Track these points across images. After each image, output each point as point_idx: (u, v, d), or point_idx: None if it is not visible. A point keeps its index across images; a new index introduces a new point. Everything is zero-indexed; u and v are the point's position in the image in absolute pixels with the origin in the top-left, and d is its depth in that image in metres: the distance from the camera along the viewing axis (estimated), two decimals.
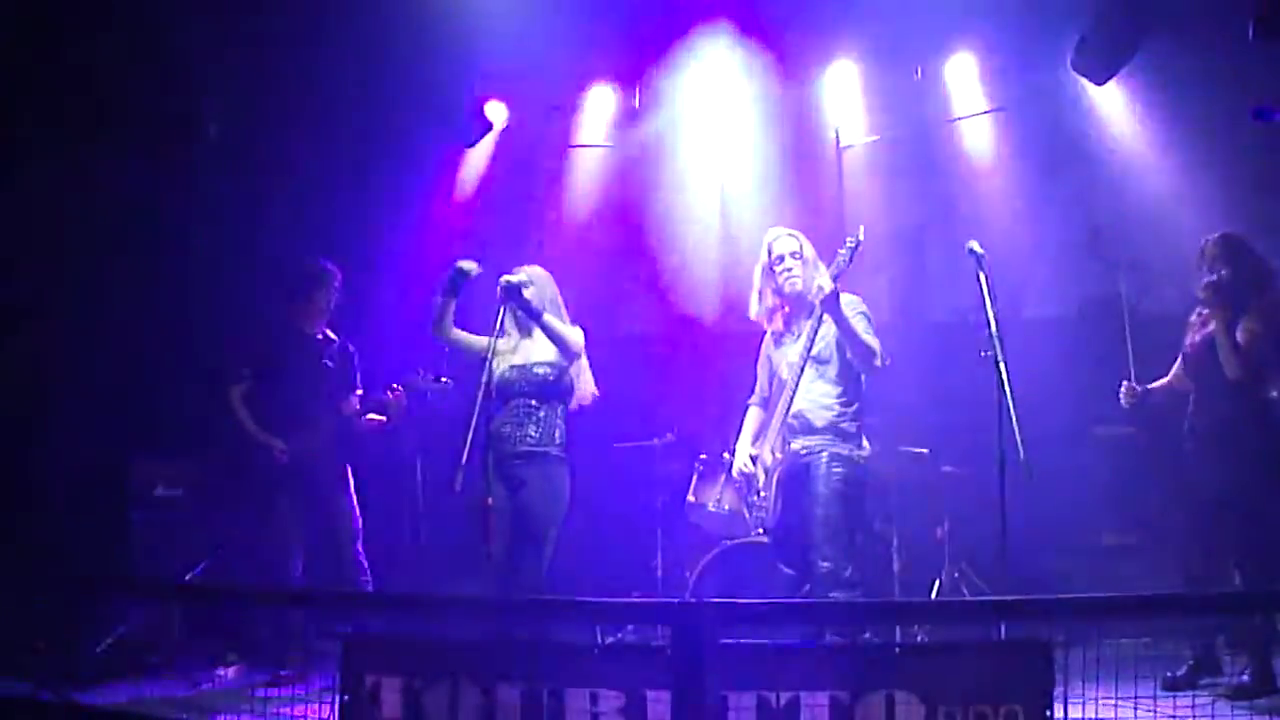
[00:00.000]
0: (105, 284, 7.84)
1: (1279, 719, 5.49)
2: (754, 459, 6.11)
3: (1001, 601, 5.00)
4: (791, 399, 5.89)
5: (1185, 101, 7.98)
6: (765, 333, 6.28)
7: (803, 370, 5.88)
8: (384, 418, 7.19)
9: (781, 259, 6.07)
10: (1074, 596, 4.96)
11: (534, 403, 6.41)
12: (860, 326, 5.89)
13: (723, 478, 7.52)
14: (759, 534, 6.96)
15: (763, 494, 6.01)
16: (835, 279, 5.77)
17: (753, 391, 6.40)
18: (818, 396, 5.96)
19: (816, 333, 5.86)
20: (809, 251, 6.12)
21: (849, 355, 5.93)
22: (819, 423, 5.93)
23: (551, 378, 6.43)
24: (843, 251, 5.84)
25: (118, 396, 7.78)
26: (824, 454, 5.88)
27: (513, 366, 6.45)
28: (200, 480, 7.84)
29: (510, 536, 6.31)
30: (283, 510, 7.05)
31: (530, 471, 6.33)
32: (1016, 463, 5.24)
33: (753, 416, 6.33)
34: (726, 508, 7.45)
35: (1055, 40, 8.15)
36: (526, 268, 6.55)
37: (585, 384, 6.61)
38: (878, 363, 5.92)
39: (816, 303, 5.83)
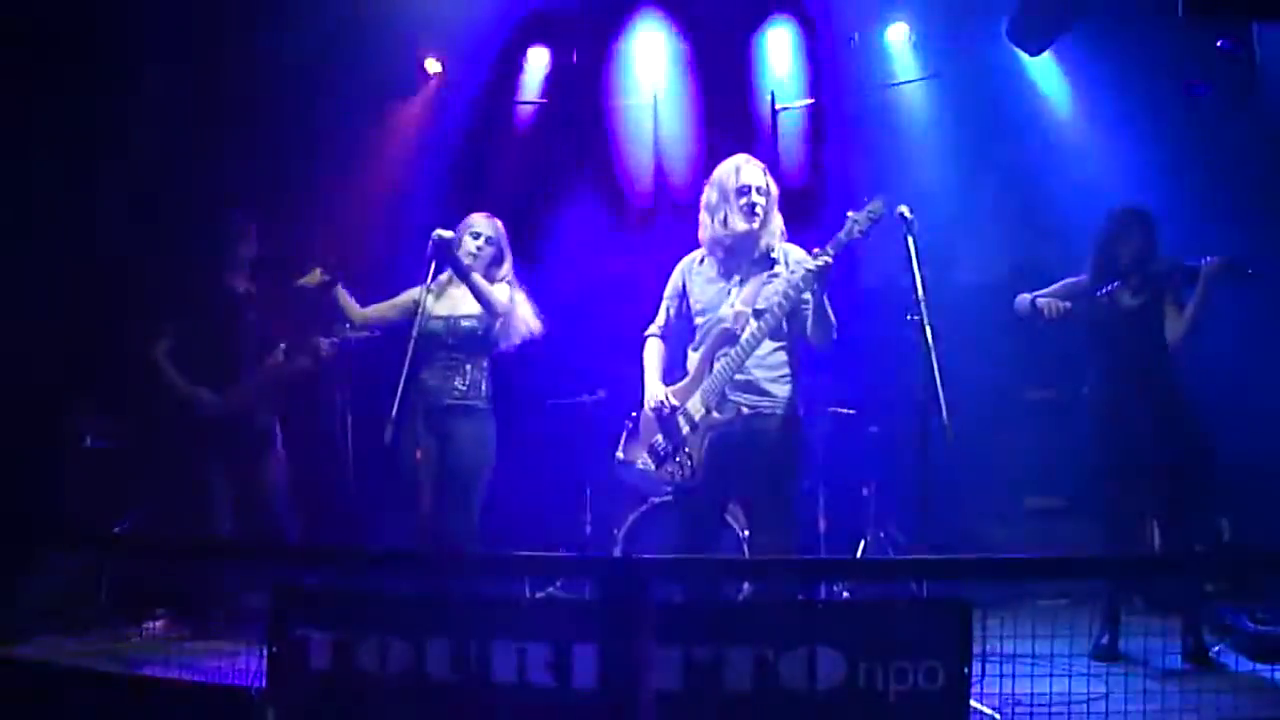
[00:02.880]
0: (35, 234, 7.74)
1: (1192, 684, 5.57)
2: (676, 409, 5.64)
3: (923, 560, 5.10)
4: (744, 359, 5.49)
5: (1116, 75, 8.08)
6: (685, 260, 5.89)
7: (765, 331, 5.45)
8: (310, 361, 7.16)
9: (748, 189, 5.58)
10: (993, 556, 5.09)
11: (460, 355, 6.47)
12: (826, 299, 5.48)
13: None
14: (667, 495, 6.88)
15: (688, 451, 5.55)
16: (838, 252, 5.34)
17: (653, 320, 5.94)
18: (767, 356, 5.55)
19: (801, 291, 5.38)
20: (774, 190, 5.68)
21: (809, 325, 5.53)
22: (772, 386, 5.54)
23: (479, 331, 6.49)
24: (857, 220, 5.34)
25: (47, 347, 7.69)
26: (781, 423, 5.53)
27: (439, 318, 6.48)
28: (129, 433, 7.77)
29: (438, 489, 6.34)
30: (210, 463, 7.03)
31: (457, 424, 6.38)
32: (940, 425, 5.32)
33: (656, 350, 5.88)
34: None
35: (990, 10, 8.21)
36: (475, 217, 6.61)
37: (522, 321, 6.62)
38: (834, 337, 5.55)
39: (789, 258, 5.58)
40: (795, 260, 5.56)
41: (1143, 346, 6.34)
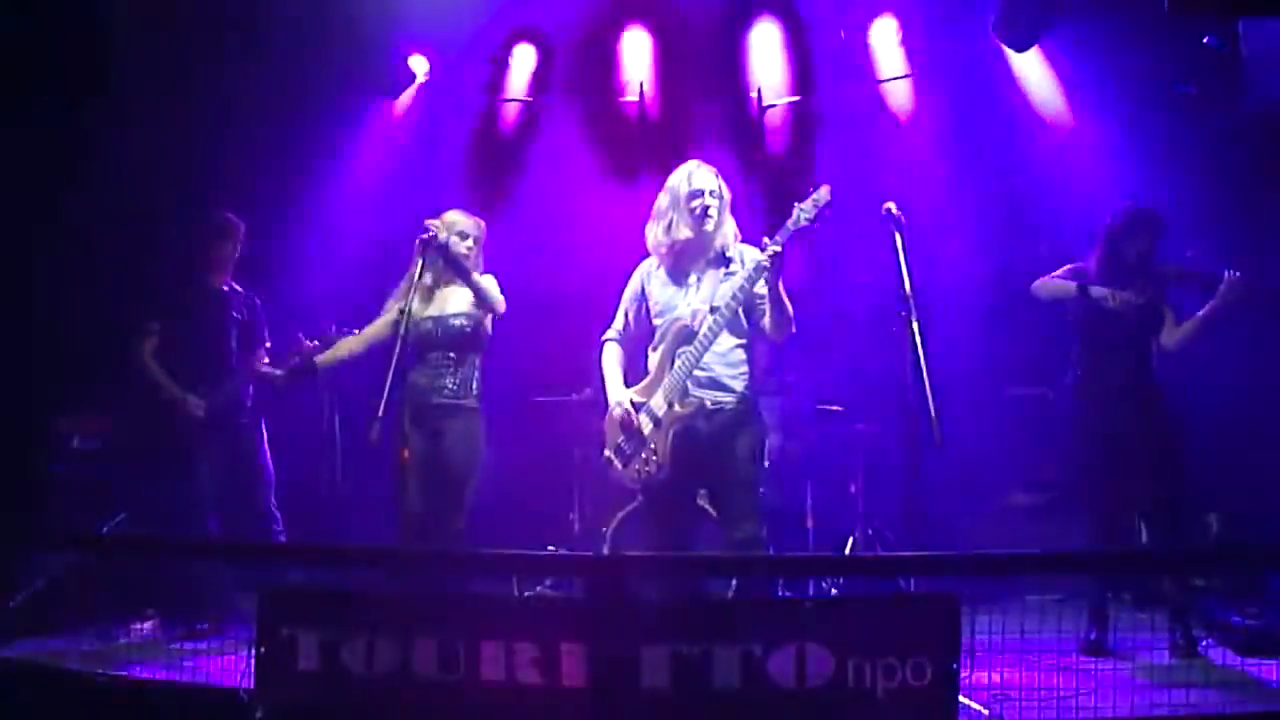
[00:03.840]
0: (19, 236, 7.71)
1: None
2: (638, 406, 5.70)
3: (911, 557, 5.10)
4: (702, 353, 5.54)
5: (1103, 71, 8.10)
6: (644, 264, 5.94)
7: (720, 326, 5.54)
8: (297, 360, 7.13)
9: (700, 194, 5.67)
10: (981, 552, 5.08)
11: (451, 354, 6.42)
12: (782, 290, 5.53)
13: None
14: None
15: (653, 448, 5.59)
16: (787, 241, 5.42)
17: (610, 325, 6.02)
18: (726, 352, 5.62)
19: (754, 284, 5.48)
20: (727, 194, 5.76)
21: (766, 319, 5.61)
22: (732, 381, 5.61)
23: (468, 329, 6.44)
24: (803, 208, 5.44)
25: (35, 348, 7.68)
26: (741, 416, 5.60)
27: (429, 318, 6.43)
28: (117, 433, 7.75)
29: (427, 489, 6.32)
30: (198, 463, 7.00)
31: (447, 423, 6.35)
32: (928, 423, 5.32)
33: (615, 355, 5.96)
34: None
35: (977, 7, 8.22)
36: (451, 213, 6.54)
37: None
38: (792, 329, 5.61)
39: (744, 257, 5.65)
40: (750, 259, 5.63)
41: (1136, 345, 6.36)
